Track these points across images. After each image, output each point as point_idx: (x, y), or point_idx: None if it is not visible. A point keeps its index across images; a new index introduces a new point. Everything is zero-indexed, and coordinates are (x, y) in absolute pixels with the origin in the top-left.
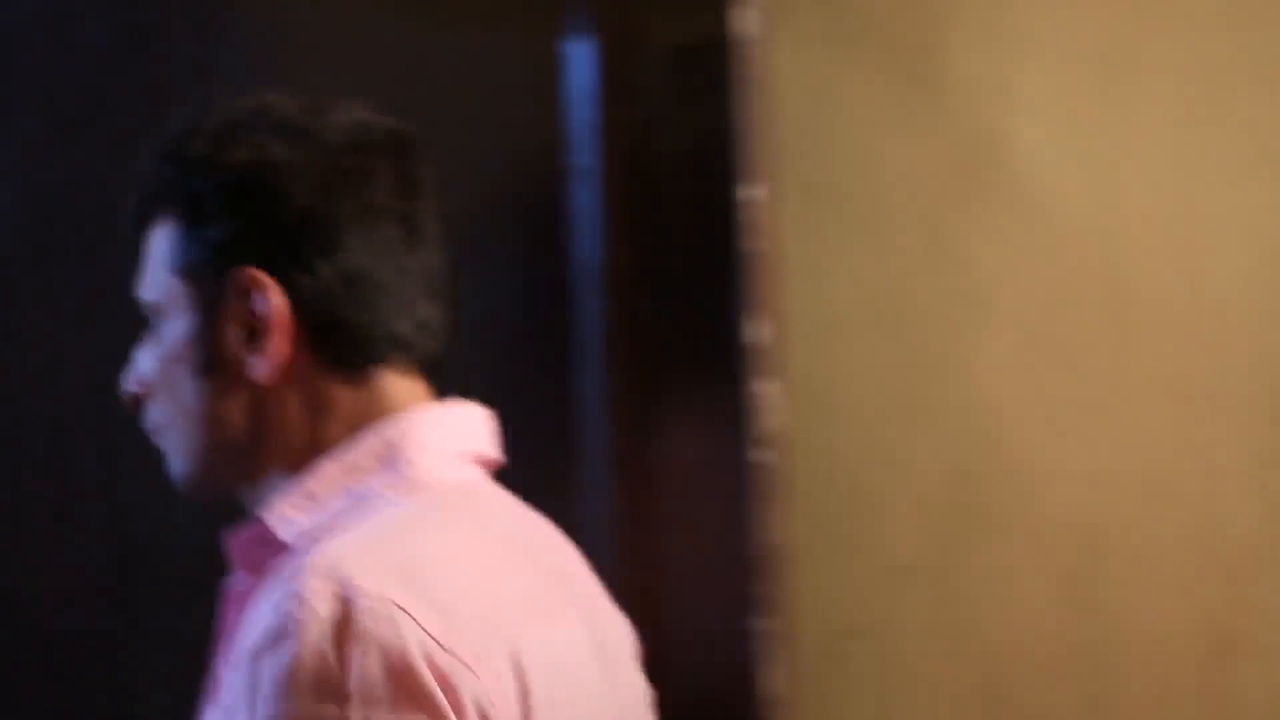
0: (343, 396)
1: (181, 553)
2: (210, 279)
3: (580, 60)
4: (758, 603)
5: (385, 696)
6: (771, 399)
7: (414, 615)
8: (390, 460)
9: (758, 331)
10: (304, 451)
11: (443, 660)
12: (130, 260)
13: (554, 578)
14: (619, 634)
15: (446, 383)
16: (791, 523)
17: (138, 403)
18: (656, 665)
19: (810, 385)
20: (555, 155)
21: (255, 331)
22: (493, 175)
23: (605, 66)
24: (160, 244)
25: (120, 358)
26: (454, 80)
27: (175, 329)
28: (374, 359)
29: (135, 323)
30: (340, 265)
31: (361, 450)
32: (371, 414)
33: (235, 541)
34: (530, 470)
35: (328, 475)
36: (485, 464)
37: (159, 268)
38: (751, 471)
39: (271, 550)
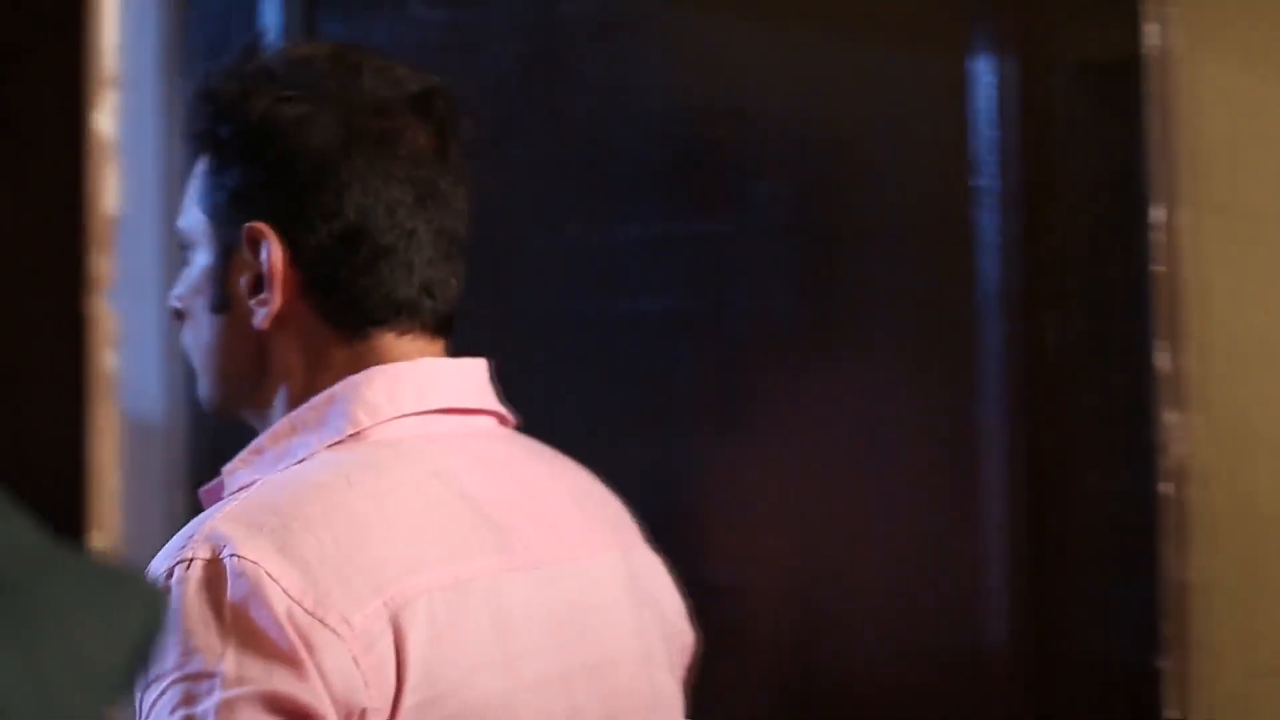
0: (338, 353)
1: None
2: (227, 223)
3: (987, 79)
4: (1165, 641)
5: (251, 655)
6: (1184, 430)
7: (278, 579)
8: (329, 416)
9: (1170, 359)
10: (300, 400)
11: (303, 621)
12: (534, 285)
13: (509, 532)
14: (625, 595)
15: (865, 406)
16: (1205, 559)
17: (180, 318)
18: (1059, 697)
19: (1228, 416)
20: (962, 176)
21: (259, 281)
22: (898, 194)
23: (1011, 85)
24: (196, 179)
25: (524, 378)
26: (861, 98)
27: (199, 263)
28: (372, 320)
29: (536, 345)
30: (342, 226)
31: (308, 406)
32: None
33: (203, 494)
34: (929, 495)
35: (278, 430)
36: (484, 415)
37: (192, 202)
38: (1161, 505)
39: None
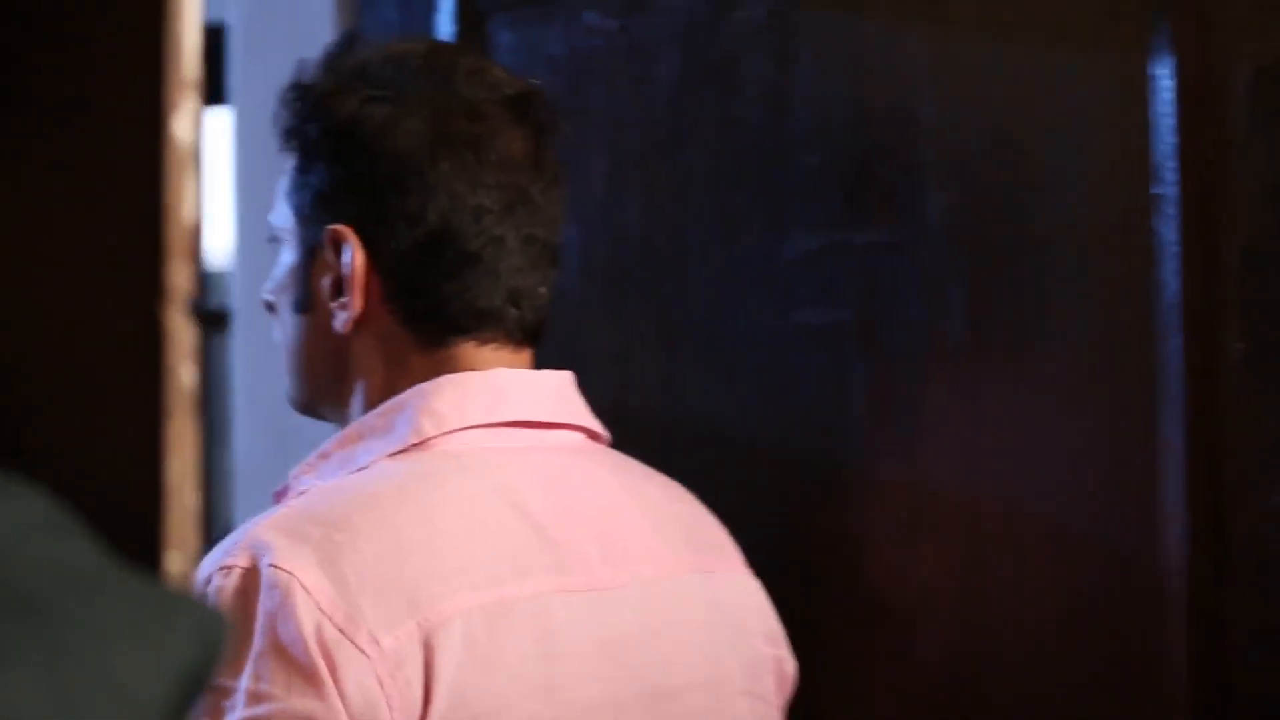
0: (417, 360)
1: None
2: (312, 223)
3: (1165, 82)
4: None
5: (275, 669)
6: None
7: (312, 591)
8: (396, 424)
9: None
10: (376, 405)
11: (331, 637)
12: (704, 298)
13: (566, 551)
14: (698, 619)
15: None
16: None
17: (272, 312)
18: None
19: None
20: (1140, 183)
21: (341, 284)
22: (1074, 202)
23: (1191, 88)
24: (286, 176)
25: (694, 392)
26: (1035, 103)
27: (285, 261)
28: (453, 328)
29: (706, 359)
30: (425, 231)
31: (377, 412)
32: None
33: (274, 497)
34: (1107, 513)
35: (345, 436)
36: (564, 429)
37: (282, 198)
38: None
39: None
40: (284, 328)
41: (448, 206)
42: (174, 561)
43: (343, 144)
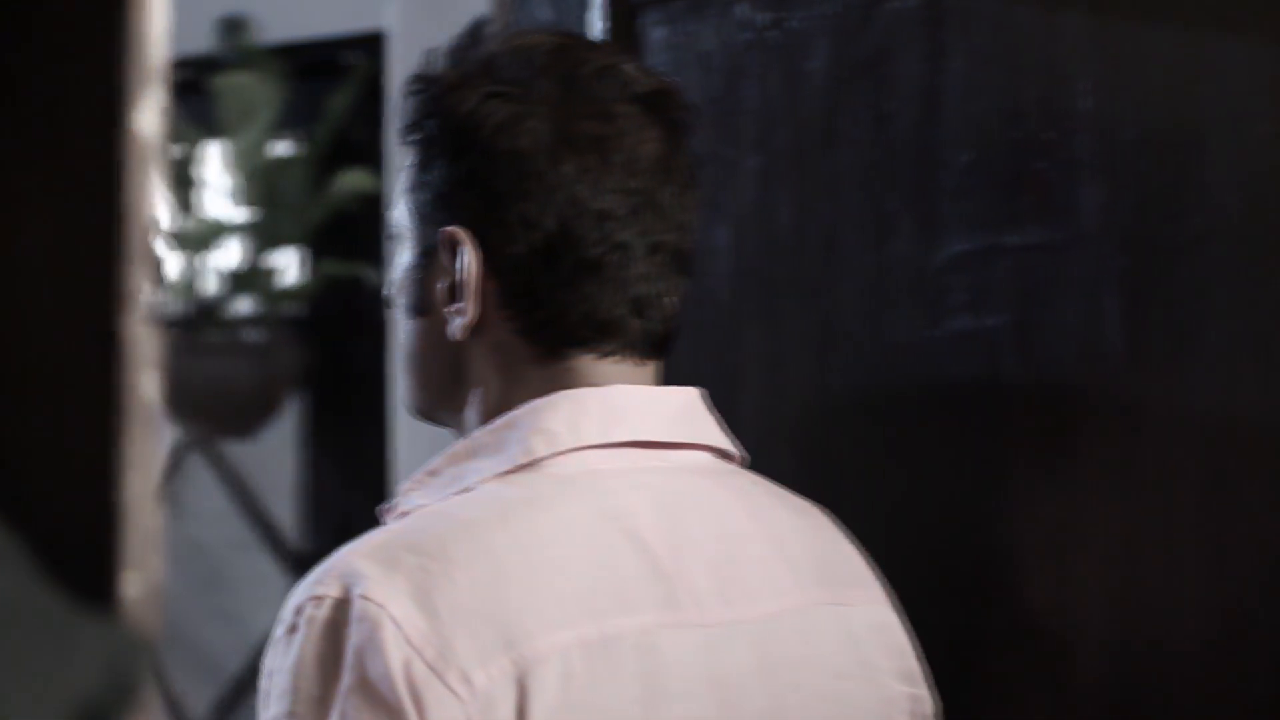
0: (533, 372)
1: None
2: (428, 223)
3: None
4: None
5: (362, 707)
6: None
7: (402, 625)
8: (507, 442)
9: None
10: (492, 416)
11: (420, 675)
12: (855, 304)
13: (679, 583)
14: (822, 652)
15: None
16: None
17: (392, 309)
18: None
19: None
20: None
21: (455, 289)
22: (1239, 199)
23: None
24: (405, 172)
25: (845, 401)
26: (1198, 95)
27: (403, 260)
28: (570, 340)
29: (858, 367)
30: (543, 236)
31: (488, 429)
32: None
33: (380, 513)
34: (1272, 526)
35: (456, 452)
36: (690, 449)
37: (401, 195)
38: None
39: None
40: (400, 331)
41: (568, 211)
42: (131, 584)
43: (461, 142)
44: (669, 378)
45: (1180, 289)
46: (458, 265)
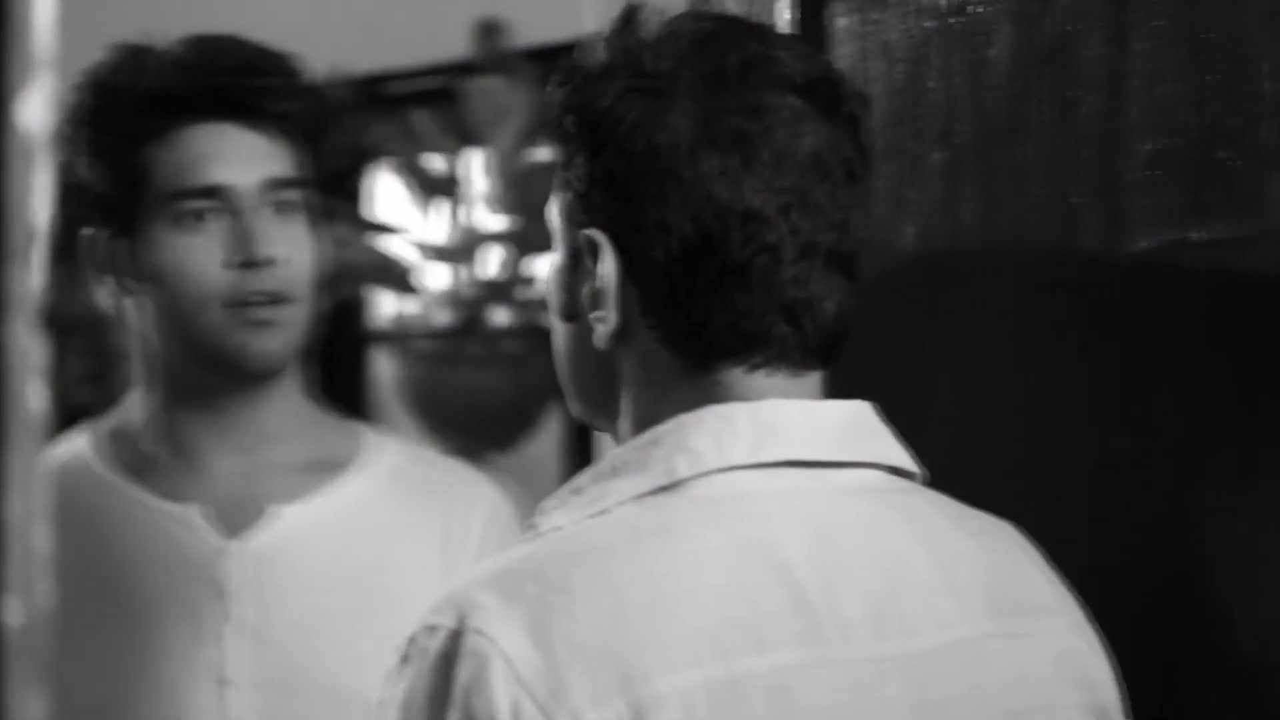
0: (680, 385)
1: None
2: (573, 224)
3: None
4: None
5: None
6: None
7: (515, 661)
8: (650, 460)
9: None
10: (643, 428)
11: (528, 715)
12: (1040, 302)
13: (825, 616)
14: (984, 689)
15: None
16: None
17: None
18: None
19: None
20: None
21: (596, 295)
22: None
23: None
24: (556, 170)
25: (1029, 410)
26: None
27: (554, 263)
28: (716, 351)
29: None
30: (681, 240)
31: (633, 445)
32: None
33: (526, 526)
34: None
35: (600, 469)
36: (855, 468)
37: (552, 194)
38: None
39: None
40: (554, 335)
41: (707, 213)
42: (12, 610)
43: (598, 140)
44: (846, 387)
45: None
46: (598, 271)
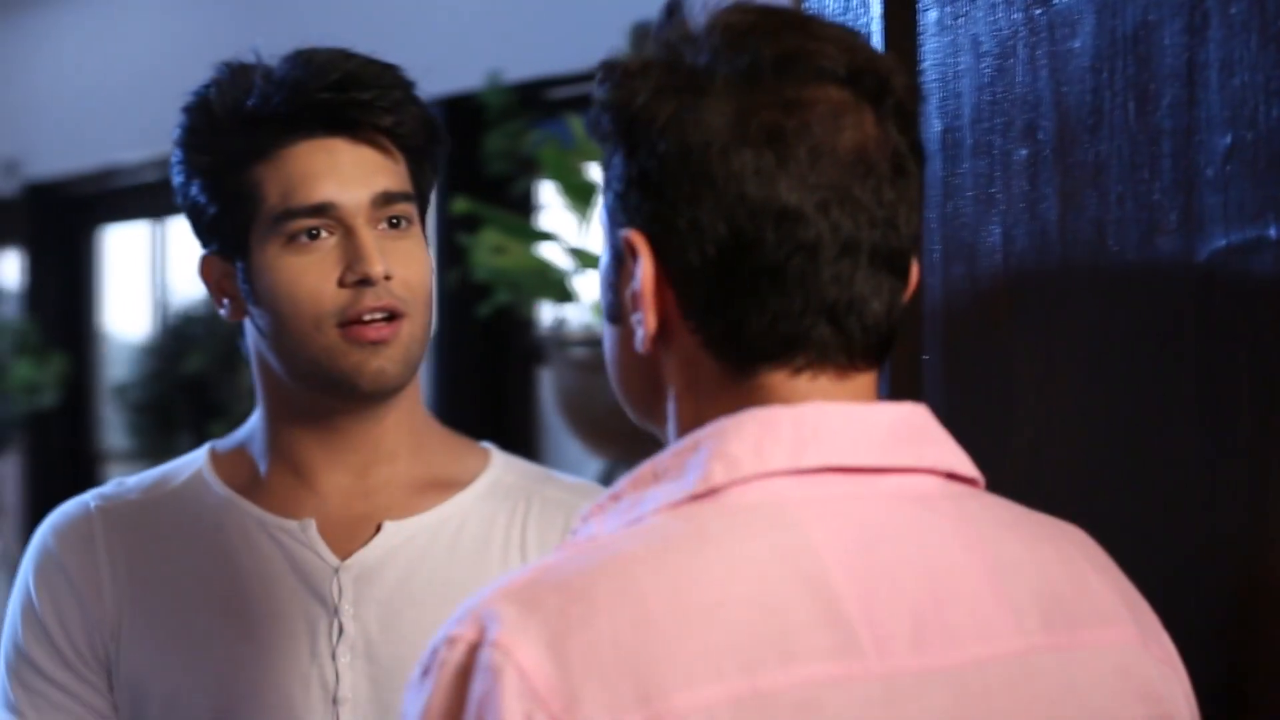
0: (724, 391)
1: None
2: (615, 225)
3: None
4: None
5: None
6: None
7: (530, 674)
8: (689, 466)
9: None
10: (688, 432)
11: None
12: (1120, 303)
13: (861, 629)
14: (1033, 704)
15: None
16: None
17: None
18: None
19: None
20: None
21: (635, 298)
22: None
23: None
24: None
25: (1106, 413)
26: None
27: (600, 263)
28: (758, 355)
29: (1118, 372)
30: (716, 240)
31: (673, 450)
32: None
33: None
34: None
35: (640, 476)
36: (903, 474)
37: (601, 191)
38: None
39: None
40: (604, 335)
41: (740, 212)
42: None
43: (633, 138)
44: (924, 388)
45: None
46: (636, 273)
